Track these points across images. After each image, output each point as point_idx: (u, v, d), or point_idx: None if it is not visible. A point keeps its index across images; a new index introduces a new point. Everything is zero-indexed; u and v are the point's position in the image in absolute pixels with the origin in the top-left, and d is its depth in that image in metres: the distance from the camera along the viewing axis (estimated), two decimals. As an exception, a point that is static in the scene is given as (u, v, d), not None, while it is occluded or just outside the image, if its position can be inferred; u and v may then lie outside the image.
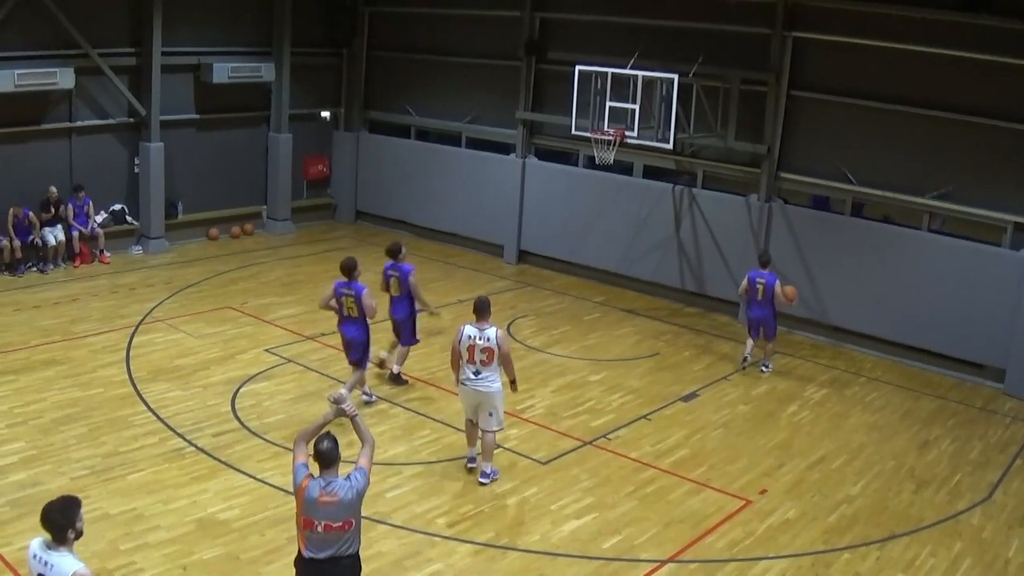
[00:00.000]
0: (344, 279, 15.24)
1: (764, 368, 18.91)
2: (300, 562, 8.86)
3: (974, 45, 18.03)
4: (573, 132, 21.42)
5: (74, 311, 19.66)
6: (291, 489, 9.15)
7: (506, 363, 13.25)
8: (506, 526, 12.46)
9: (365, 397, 16.05)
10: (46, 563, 7.32)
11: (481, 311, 13.38)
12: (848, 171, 20.12)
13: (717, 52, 20.85)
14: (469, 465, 13.84)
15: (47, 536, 7.38)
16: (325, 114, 28.80)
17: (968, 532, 13.05)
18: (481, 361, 13.16)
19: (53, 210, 22.34)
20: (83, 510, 7.58)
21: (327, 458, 8.67)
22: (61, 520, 7.37)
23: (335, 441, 8.74)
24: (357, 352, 15.51)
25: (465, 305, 21.16)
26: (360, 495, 8.78)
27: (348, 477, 8.75)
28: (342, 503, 8.63)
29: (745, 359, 18.85)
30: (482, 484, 13.40)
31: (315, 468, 8.76)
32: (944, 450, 15.72)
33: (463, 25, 26.22)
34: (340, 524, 8.67)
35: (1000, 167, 18.40)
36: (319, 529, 8.63)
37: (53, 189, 22.38)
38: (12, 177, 21.87)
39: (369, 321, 15.32)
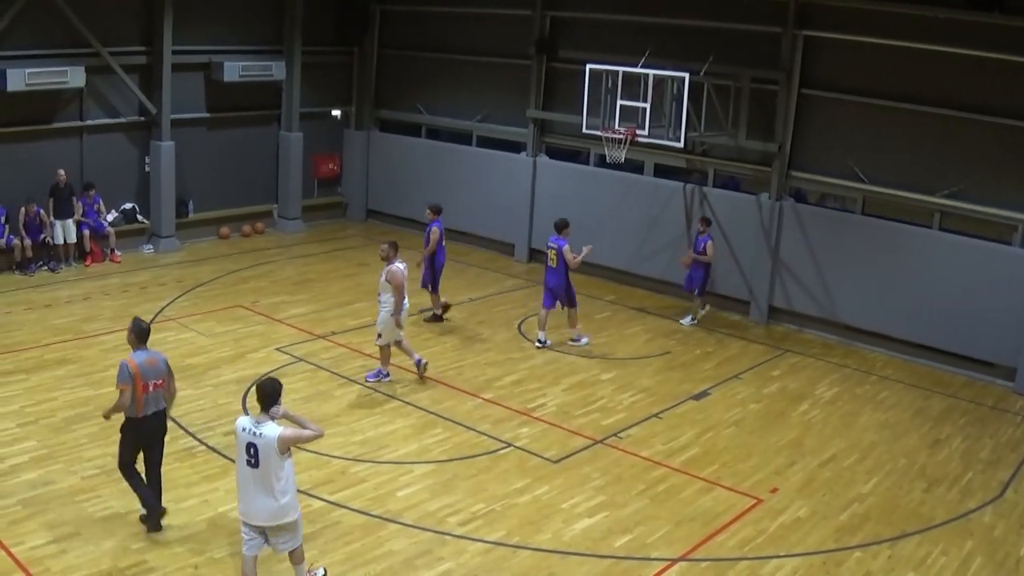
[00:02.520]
0: (555, 235, 19.14)
1: (690, 321, 21.30)
2: (132, 425, 11.36)
3: (986, 44, 17.99)
4: (584, 131, 21.41)
5: (85, 310, 19.71)
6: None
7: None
8: (517, 524, 12.46)
9: (573, 341, 19.51)
10: (255, 432, 9.61)
11: (398, 249, 16.78)
12: (859, 169, 20.08)
13: (728, 51, 20.81)
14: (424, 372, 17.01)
15: (254, 413, 9.76)
16: (336, 113, 28.83)
17: (979, 531, 13.03)
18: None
19: (60, 195, 22.27)
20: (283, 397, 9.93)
21: (146, 332, 11.44)
22: (272, 393, 9.79)
23: (147, 322, 11.58)
24: (550, 298, 19.21)
25: (476, 304, 21.30)
26: (167, 366, 11.45)
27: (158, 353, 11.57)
28: (158, 365, 11.28)
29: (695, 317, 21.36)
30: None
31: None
32: (955, 449, 15.70)
33: (474, 23, 26.23)
34: (159, 382, 11.31)
35: (1011, 166, 18.34)
36: (151, 389, 11.22)
37: (61, 172, 22.31)
38: (24, 176, 21.91)
39: (571, 272, 19.14)
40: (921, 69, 19.11)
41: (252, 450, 9.63)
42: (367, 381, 16.72)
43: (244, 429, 9.70)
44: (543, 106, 24.92)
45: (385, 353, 16.82)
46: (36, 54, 21.68)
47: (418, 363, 16.90)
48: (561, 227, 19.21)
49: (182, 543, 11.38)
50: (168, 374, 11.45)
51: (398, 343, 16.84)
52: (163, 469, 12.85)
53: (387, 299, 16.39)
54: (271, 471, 9.65)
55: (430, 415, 15.66)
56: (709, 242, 20.56)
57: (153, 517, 11.56)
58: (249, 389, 15.95)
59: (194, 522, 11.88)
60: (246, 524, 9.99)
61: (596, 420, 15.92)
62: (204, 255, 24.35)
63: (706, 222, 20.83)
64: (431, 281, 20.20)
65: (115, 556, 10.96)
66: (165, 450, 12.16)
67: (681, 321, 21.16)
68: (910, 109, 19.28)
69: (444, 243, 20.44)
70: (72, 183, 22.60)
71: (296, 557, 10.34)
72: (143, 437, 11.44)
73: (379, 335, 16.70)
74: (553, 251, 19.13)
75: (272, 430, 9.62)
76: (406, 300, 16.64)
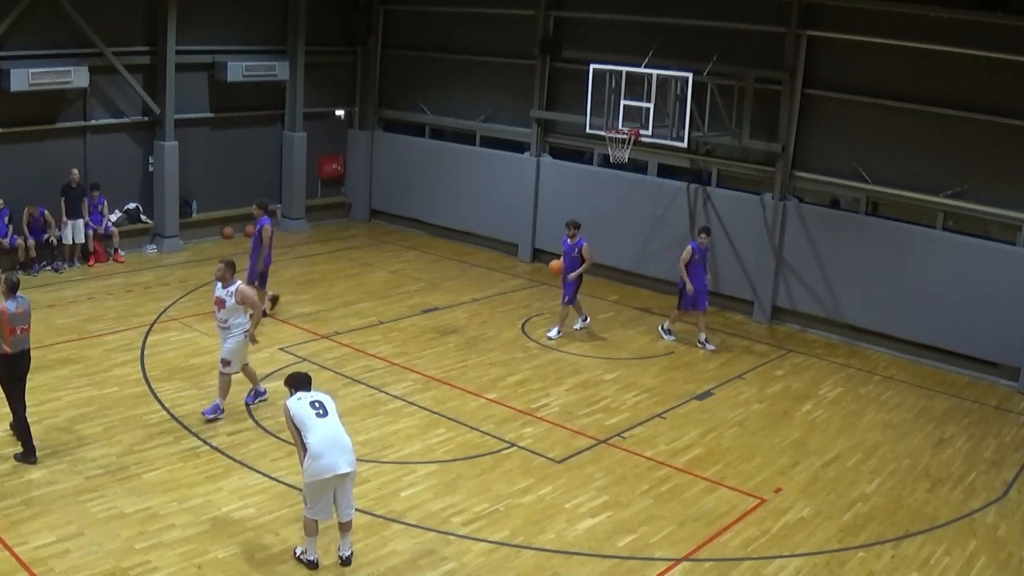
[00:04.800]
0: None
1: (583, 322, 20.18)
2: (3, 361, 12.90)
3: (989, 44, 17.96)
4: (588, 131, 21.42)
5: (89, 310, 19.71)
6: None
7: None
8: (521, 524, 12.46)
9: (704, 344, 19.68)
10: (312, 392, 11.20)
11: (235, 269, 15.22)
12: (863, 170, 20.07)
13: (731, 50, 20.82)
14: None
15: (303, 391, 11.21)
16: (339, 113, 28.84)
17: (983, 531, 13.02)
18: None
19: (73, 195, 22.33)
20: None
21: (16, 285, 13.07)
22: (308, 377, 11.49)
23: (17, 276, 13.50)
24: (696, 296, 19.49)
25: (480, 303, 21.30)
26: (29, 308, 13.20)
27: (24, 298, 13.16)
28: (27, 312, 13.07)
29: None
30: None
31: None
32: (959, 449, 15.68)
33: (478, 23, 26.22)
34: (27, 327, 13.09)
35: (1015, 166, 18.31)
36: (19, 332, 12.93)
37: (74, 172, 22.44)
38: (27, 176, 21.95)
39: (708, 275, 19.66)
40: (925, 69, 19.09)
41: (318, 404, 10.99)
42: (205, 417, 14.90)
43: (300, 398, 11.04)
44: (547, 106, 24.92)
45: (226, 383, 15.08)
46: (40, 54, 21.68)
47: (260, 393, 15.63)
48: (703, 231, 19.60)
49: (185, 543, 11.38)
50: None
51: (245, 367, 15.33)
52: (168, 468, 12.96)
53: (239, 322, 14.85)
54: (337, 416, 11.08)
55: (434, 415, 15.65)
56: (585, 244, 19.45)
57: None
58: (253, 389, 15.95)
59: (197, 522, 11.87)
60: (324, 484, 10.75)
61: (600, 420, 15.91)
62: (207, 255, 24.29)
63: (576, 226, 19.60)
64: (259, 278, 19.31)
65: (118, 556, 10.97)
66: (167, 449, 12.40)
67: (575, 327, 19.99)
68: (914, 109, 19.27)
69: (273, 238, 19.66)
70: (82, 181, 22.66)
71: (348, 524, 11.23)
72: (14, 370, 13.14)
73: (227, 363, 14.92)
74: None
75: (321, 391, 11.42)
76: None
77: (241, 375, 15.22)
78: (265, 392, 15.63)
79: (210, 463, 13.46)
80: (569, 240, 19.57)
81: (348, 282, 22.73)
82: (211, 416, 14.84)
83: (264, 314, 19.17)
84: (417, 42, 27.63)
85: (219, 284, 14.92)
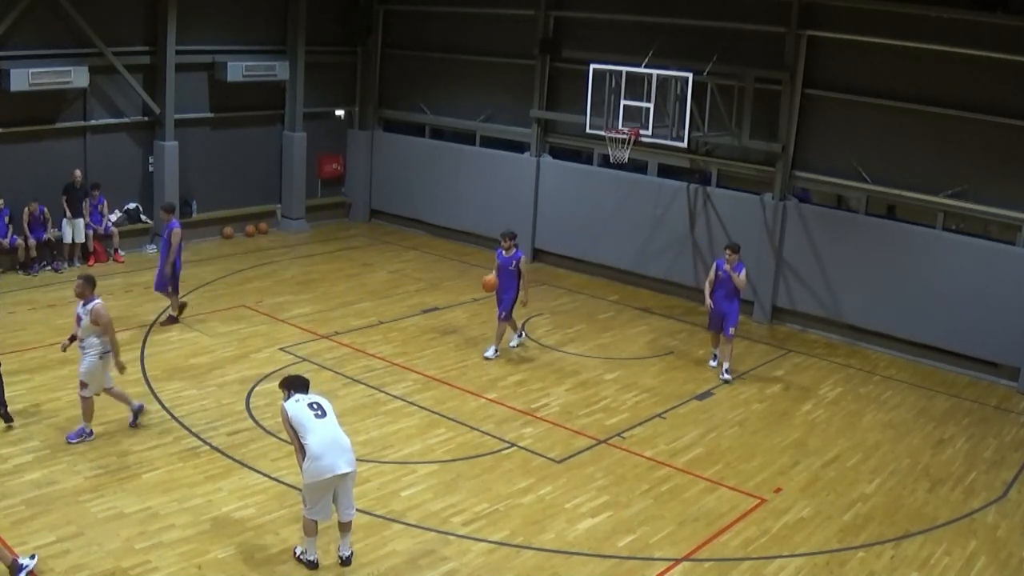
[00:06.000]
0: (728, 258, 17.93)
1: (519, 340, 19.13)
2: None
3: (989, 44, 17.97)
4: (587, 130, 21.41)
5: (89, 310, 19.69)
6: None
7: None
8: (521, 524, 12.46)
9: (725, 376, 18.09)
10: (309, 395, 11.11)
11: (95, 285, 14.05)
12: (863, 169, 20.07)
13: (732, 50, 20.82)
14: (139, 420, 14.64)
15: (300, 393, 11.06)
16: (339, 113, 28.83)
17: (983, 531, 13.02)
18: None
19: (75, 195, 22.39)
20: None
21: None
22: (305, 380, 11.37)
23: None
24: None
25: (479, 303, 21.25)
26: None
27: None
28: None
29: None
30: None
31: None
32: (959, 449, 15.68)
33: (478, 23, 26.22)
34: None
35: (1015, 166, 18.31)
36: None
37: (77, 172, 22.53)
38: (27, 176, 21.96)
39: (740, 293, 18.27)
40: (925, 69, 19.09)
41: (316, 405, 10.97)
42: (69, 442, 13.76)
43: (298, 400, 10.96)
44: (547, 106, 24.92)
45: (89, 406, 13.96)
46: (40, 54, 21.69)
47: (138, 409, 14.52)
48: (735, 248, 17.88)
49: (185, 543, 11.38)
50: None
51: (108, 390, 14.21)
52: (168, 469, 12.97)
53: (93, 342, 13.75)
54: (335, 417, 11.08)
55: (434, 415, 15.65)
56: (523, 257, 18.74)
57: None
58: (253, 388, 15.96)
59: (197, 522, 11.87)
60: (324, 485, 10.75)
61: (599, 420, 15.91)
62: (207, 255, 24.34)
63: (512, 237, 18.51)
64: (170, 283, 19.04)
65: (118, 556, 10.97)
66: (167, 450, 12.66)
67: (511, 344, 18.98)
68: (914, 109, 19.26)
69: (183, 243, 19.31)
70: (84, 183, 22.72)
71: (348, 524, 11.25)
72: None
73: (84, 384, 13.83)
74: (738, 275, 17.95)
75: (316, 393, 11.36)
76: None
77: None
78: (141, 406, 14.64)
79: (210, 463, 13.46)
80: (504, 252, 18.43)
81: (348, 282, 22.73)
82: (75, 440, 13.78)
83: (175, 320, 19.21)
84: (417, 42, 27.63)
85: (79, 301, 13.85)
